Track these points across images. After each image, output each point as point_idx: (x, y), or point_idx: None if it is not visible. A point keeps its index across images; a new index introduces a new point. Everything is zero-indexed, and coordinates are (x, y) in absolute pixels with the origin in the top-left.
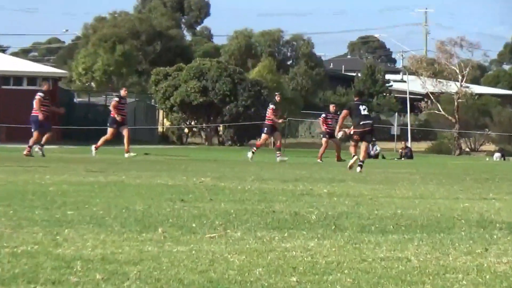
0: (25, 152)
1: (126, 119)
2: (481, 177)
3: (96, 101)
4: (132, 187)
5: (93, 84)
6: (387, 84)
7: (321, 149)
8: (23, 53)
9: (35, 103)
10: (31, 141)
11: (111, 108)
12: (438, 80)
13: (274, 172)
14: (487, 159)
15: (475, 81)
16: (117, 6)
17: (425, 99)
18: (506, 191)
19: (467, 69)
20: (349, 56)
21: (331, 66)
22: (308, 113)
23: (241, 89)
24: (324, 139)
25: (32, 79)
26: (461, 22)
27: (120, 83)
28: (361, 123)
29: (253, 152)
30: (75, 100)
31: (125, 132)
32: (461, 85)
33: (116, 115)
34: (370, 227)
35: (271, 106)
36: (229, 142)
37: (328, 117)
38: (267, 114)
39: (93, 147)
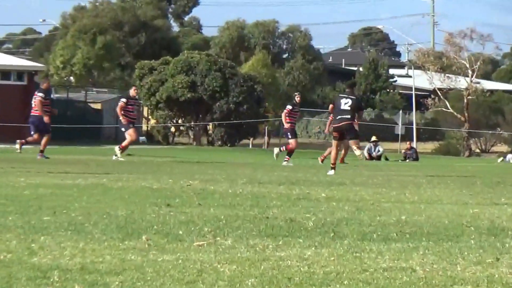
0: (38, 157)
1: (135, 122)
2: (492, 180)
3: (75, 97)
4: (114, 191)
5: (72, 78)
6: (391, 80)
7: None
8: None
9: (36, 104)
10: (30, 139)
11: (117, 110)
12: (447, 75)
13: (268, 175)
14: (499, 161)
15: (487, 76)
16: None
17: (432, 96)
18: None
19: (478, 63)
20: (350, 49)
21: (330, 60)
22: (305, 111)
23: (232, 85)
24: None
25: (6, 73)
26: (472, 12)
27: (101, 77)
28: (337, 117)
29: (286, 161)
30: (52, 96)
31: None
32: (471, 81)
33: (122, 118)
34: (371, 234)
35: (288, 107)
36: (219, 142)
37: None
38: (284, 117)
39: (117, 148)
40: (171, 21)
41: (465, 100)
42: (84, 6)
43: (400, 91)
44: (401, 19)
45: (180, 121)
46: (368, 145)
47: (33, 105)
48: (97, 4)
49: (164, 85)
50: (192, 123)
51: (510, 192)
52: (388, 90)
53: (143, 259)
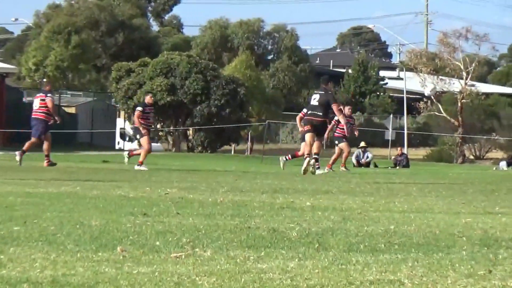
0: (45, 164)
1: (150, 130)
2: (486, 188)
3: None
4: (88, 199)
5: (45, 81)
6: (381, 82)
7: (344, 155)
8: None
9: (49, 106)
10: (27, 145)
11: (134, 119)
12: (440, 77)
13: (251, 183)
14: (494, 168)
15: (482, 78)
16: None
17: (425, 99)
18: None
19: (473, 65)
20: (338, 50)
21: (317, 61)
22: (291, 115)
23: (214, 87)
24: (343, 144)
25: None
26: (468, 11)
27: (76, 80)
28: (308, 112)
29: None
30: (24, 100)
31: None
32: (465, 83)
33: (140, 126)
34: (358, 245)
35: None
36: (200, 148)
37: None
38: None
39: (137, 167)
40: (151, 20)
41: (459, 104)
42: (59, 4)
43: (391, 94)
44: (394, 18)
45: (158, 126)
46: (356, 151)
47: (35, 108)
48: (72, 2)
49: (142, 88)
50: (172, 127)
51: (505, 200)
52: (378, 93)
53: (117, 271)
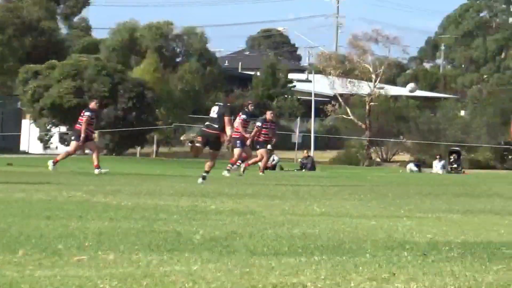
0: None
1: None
2: (391, 191)
3: None
4: None
5: None
6: (289, 85)
7: (263, 161)
8: None
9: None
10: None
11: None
12: (349, 80)
13: (156, 186)
14: (401, 171)
15: (392, 81)
16: None
17: (333, 102)
18: (419, 208)
19: (382, 68)
20: (247, 53)
21: (226, 64)
22: (198, 118)
23: (121, 90)
24: (263, 150)
25: None
26: (378, 14)
27: None
28: (206, 123)
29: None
30: None
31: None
32: (374, 86)
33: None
34: (262, 248)
35: (243, 116)
36: (105, 151)
37: (264, 126)
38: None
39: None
40: (60, 23)
41: (367, 107)
42: None
43: (299, 97)
44: (304, 21)
45: (64, 128)
46: None
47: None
48: None
49: (49, 91)
50: None
51: (410, 203)
52: (286, 96)
53: (18, 275)
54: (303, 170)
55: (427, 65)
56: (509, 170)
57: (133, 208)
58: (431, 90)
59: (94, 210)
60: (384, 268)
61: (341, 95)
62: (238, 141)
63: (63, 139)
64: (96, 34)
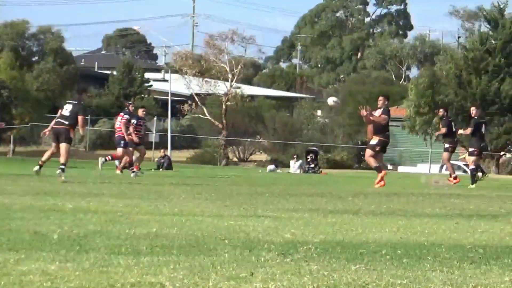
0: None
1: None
2: (250, 191)
3: None
4: None
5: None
6: (146, 84)
7: (124, 159)
8: None
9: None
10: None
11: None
12: (205, 79)
13: (13, 185)
14: (260, 171)
15: (248, 80)
16: None
17: (190, 102)
18: (277, 207)
19: (239, 67)
20: (103, 52)
21: (82, 63)
22: (55, 117)
23: None
24: (121, 149)
25: None
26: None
27: None
28: (57, 120)
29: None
30: None
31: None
32: (231, 86)
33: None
34: (120, 248)
35: (126, 116)
36: None
37: (139, 123)
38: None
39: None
40: None
41: (224, 106)
42: None
43: (156, 97)
44: (161, 20)
45: None
46: None
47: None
48: None
49: None
50: None
51: (269, 203)
52: (142, 95)
53: None
54: (160, 169)
55: (283, 65)
56: (366, 170)
57: None
58: (288, 90)
59: None
60: (243, 268)
61: (197, 94)
62: (122, 141)
63: None
64: None
